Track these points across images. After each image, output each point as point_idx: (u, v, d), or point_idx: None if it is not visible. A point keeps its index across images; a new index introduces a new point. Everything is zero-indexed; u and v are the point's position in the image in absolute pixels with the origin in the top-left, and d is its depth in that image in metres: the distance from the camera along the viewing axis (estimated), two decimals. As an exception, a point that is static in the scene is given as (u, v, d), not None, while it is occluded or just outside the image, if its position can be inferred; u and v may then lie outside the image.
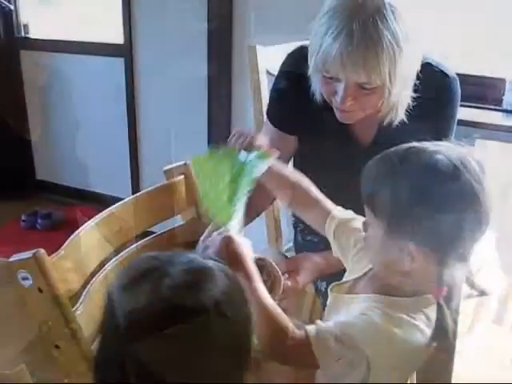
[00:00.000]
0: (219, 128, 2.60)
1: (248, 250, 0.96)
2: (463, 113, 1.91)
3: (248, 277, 0.89)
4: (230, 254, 0.92)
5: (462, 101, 1.99)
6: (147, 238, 1.32)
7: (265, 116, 1.47)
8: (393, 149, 0.87)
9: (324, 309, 1.39)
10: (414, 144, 0.85)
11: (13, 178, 3.50)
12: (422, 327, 0.83)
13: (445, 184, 0.78)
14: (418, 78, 1.19)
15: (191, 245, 1.38)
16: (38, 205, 3.28)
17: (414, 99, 1.20)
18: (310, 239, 1.57)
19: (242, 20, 2.37)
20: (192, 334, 0.70)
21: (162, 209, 1.34)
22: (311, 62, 1.13)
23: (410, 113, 1.22)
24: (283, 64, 1.34)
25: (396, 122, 1.21)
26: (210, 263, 0.77)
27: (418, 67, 1.15)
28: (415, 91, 1.20)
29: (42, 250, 0.95)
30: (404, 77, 1.10)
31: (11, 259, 0.96)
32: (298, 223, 1.62)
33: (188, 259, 0.77)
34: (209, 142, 2.66)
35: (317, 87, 1.20)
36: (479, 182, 0.78)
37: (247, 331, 0.76)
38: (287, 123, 1.37)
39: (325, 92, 1.17)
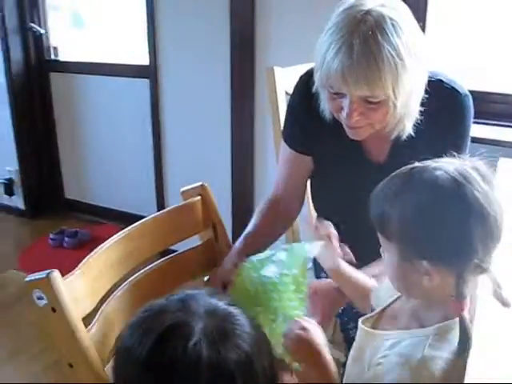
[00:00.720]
0: (242, 147, 2.62)
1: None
2: (486, 130, 1.90)
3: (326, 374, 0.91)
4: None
5: (485, 118, 1.97)
6: (163, 259, 1.33)
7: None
8: (396, 171, 0.88)
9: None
10: (416, 164, 0.86)
11: (43, 196, 3.59)
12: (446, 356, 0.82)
13: (447, 198, 0.79)
14: (429, 94, 1.19)
15: (207, 265, 1.40)
16: (65, 223, 3.35)
17: (426, 116, 1.20)
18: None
19: (265, 41, 2.39)
20: None
21: (178, 229, 1.35)
22: (316, 78, 1.15)
23: (423, 130, 1.22)
24: (296, 85, 1.36)
25: (404, 137, 1.21)
26: (232, 309, 0.77)
27: (424, 81, 1.15)
28: (426, 108, 1.20)
29: (56, 271, 0.97)
30: (409, 90, 1.10)
31: (26, 279, 0.98)
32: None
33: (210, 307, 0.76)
34: (232, 161, 2.68)
35: (325, 105, 1.20)
36: (481, 190, 0.79)
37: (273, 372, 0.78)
38: (302, 144, 1.38)
39: (332, 108, 1.18)
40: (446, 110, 1.24)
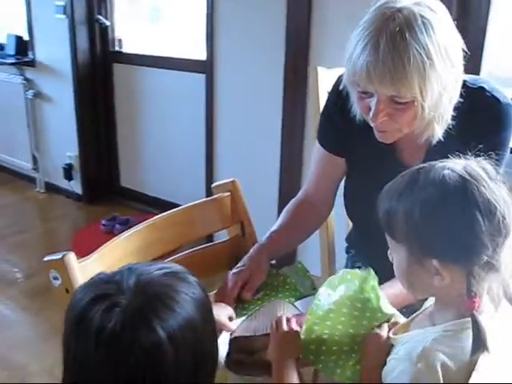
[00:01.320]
0: (292, 146, 2.61)
1: None
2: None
3: None
4: None
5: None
6: (189, 250, 1.35)
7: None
8: (404, 171, 0.88)
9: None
10: (422, 165, 0.86)
11: (100, 183, 3.71)
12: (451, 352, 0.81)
13: (454, 195, 0.80)
14: (469, 101, 1.15)
15: (232, 260, 1.40)
16: (118, 210, 3.44)
17: (464, 123, 1.16)
18: (358, 266, 1.54)
19: (319, 42, 2.37)
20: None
21: (205, 223, 1.37)
22: (344, 75, 1.13)
23: (460, 137, 1.17)
24: (333, 85, 1.34)
25: (435, 141, 1.17)
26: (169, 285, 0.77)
27: (458, 85, 1.10)
28: (464, 115, 1.15)
29: (71, 253, 1.00)
30: (438, 92, 1.06)
31: (45, 259, 1.02)
32: (349, 249, 1.60)
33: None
34: (281, 160, 2.68)
35: (356, 106, 1.18)
36: (487, 187, 0.79)
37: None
38: (335, 145, 1.36)
39: (361, 109, 1.15)
40: (485, 118, 1.19)
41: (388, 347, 0.92)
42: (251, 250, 1.31)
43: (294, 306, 1.21)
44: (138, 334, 0.70)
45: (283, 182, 2.70)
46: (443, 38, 1.04)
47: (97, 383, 0.73)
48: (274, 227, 1.37)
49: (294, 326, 1.01)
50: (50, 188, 3.88)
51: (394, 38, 1.01)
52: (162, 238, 1.26)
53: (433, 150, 1.22)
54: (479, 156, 1.14)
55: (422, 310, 0.97)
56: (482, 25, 2.05)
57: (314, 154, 1.44)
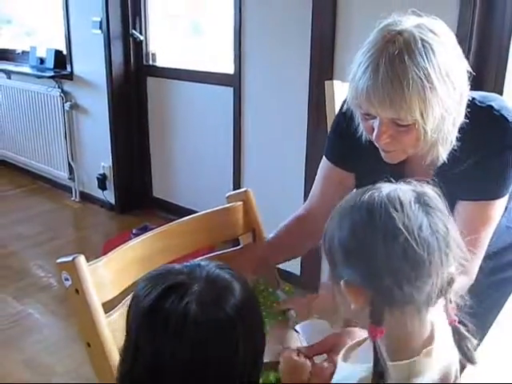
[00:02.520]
0: (317, 156, 2.62)
1: None
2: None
3: None
4: None
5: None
6: (200, 258, 1.38)
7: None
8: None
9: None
10: (367, 188, 0.83)
11: (132, 193, 3.80)
12: None
13: (364, 219, 0.77)
14: (476, 121, 1.15)
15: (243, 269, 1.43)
16: (149, 220, 3.52)
17: (471, 143, 1.16)
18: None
19: (344, 56, 2.40)
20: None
21: (217, 231, 1.41)
22: (348, 96, 1.14)
23: (469, 157, 1.17)
24: (342, 102, 1.35)
25: (440, 162, 1.17)
26: (232, 282, 0.84)
27: (461, 107, 1.10)
28: (472, 135, 1.15)
29: (82, 256, 1.05)
30: (441, 115, 1.06)
31: (57, 261, 1.07)
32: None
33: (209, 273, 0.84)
34: (306, 173, 2.70)
35: (361, 126, 1.20)
36: (398, 209, 0.75)
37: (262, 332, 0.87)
38: (344, 159, 1.37)
39: (365, 129, 1.16)
40: (493, 138, 1.18)
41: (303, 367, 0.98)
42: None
43: (296, 331, 1.22)
44: (214, 318, 0.78)
45: (308, 192, 2.71)
46: (444, 61, 1.03)
47: (173, 370, 0.78)
48: (268, 239, 1.41)
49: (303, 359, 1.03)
50: (85, 197, 3.99)
51: (393, 62, 1.01)
52: (173, 244, 1.30)
53: (442, 171, 1.21)
54: (489, 175, 1.15)
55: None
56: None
57: (319, 171, 1.45)
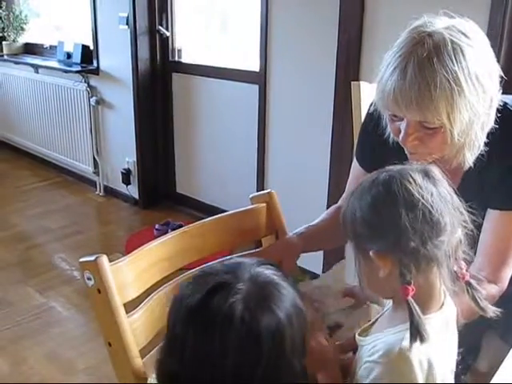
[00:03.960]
0: (342, 155, 2.61)
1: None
2: None
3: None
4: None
5: None
6: (222, 259, 1.37)
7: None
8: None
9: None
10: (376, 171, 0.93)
11: (156, 189, 3.82)
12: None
13: (381, 191, 0.87)
14: (508, 126, 1.13)
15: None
16: (172, 216, 3.54)
17: (500, 150, 1.14)
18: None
19: (370, 56, 2.37)
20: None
21: (240, 232, 1.39)
22: (375, 97, 1.13)
23: (499, 163, 1.15)
24: (370, 104, 1.33)
25: (466, 167, 1.15)
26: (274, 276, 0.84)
27: (491, 112, 1.08)
28: (501, 142, 1.13)
29: (104, 256, 1.05)
30: (469, 119, 1.04)
31: (80, 260, 1.07)
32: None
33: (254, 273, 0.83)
34: (330, 173, 2.68)
35: (388, 127, 1.18)
36: (414, 183, 0.85)
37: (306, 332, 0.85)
38: (371, 163, 1.34)
39: (392, 131, 1.15)
40: None
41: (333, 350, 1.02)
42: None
43: None
44: (262, 318, 0.78)
45: (331, 194, 2.71)
46: (474, 64, 1.02)
47: (220, 370, 0.78)
48: (312, 223, 1.40)
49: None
50: (109, 191, 4.02)
51: (422, 64, 1.00)
52: (196, 245, 1.29)
53: (469, 178, 1.19)
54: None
55: (384, 311, 1.00)
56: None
57: (352, 169, 1.45)
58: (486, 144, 1.12)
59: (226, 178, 3.41)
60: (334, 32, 2.46)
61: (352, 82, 1.64)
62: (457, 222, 0.87)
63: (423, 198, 0.84)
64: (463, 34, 1.03)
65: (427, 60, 1.00)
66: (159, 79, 3.57)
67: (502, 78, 1.08)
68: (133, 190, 3.84)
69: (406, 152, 1.16)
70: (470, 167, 1.16)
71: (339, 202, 1.46)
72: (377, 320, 1.00)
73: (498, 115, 1.11)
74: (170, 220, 3.44)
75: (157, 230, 3.39)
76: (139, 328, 1.11)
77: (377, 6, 2.32)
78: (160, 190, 3.83)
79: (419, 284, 0.86)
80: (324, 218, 1.43)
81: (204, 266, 0.89)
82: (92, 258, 1.04)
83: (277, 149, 2.97)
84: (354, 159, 1.42)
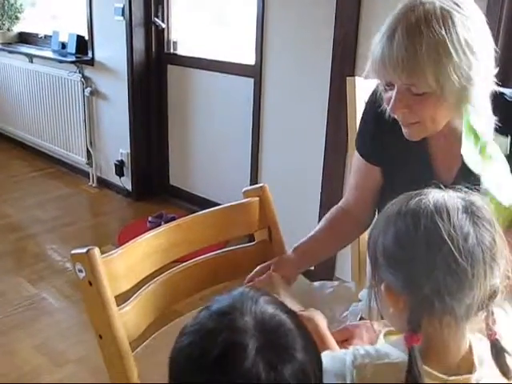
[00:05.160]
0: (336, 150, 2.61)
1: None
2: None
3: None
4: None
5: None
6: (214, 253, 1.38)
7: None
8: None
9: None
10: (412, 192, 0.83)
11: (149, 180, 3.81)
12: None
13: (409, 227, 0.77)
14: (506, 115, 1.13)
15: (257, 265, 1.42)
16: (166, 208, 3.53)
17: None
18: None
19: (366, 52, 2.36)
20: None
21: (232, 226, 1.39)
22: (368, 67, 1.14)
23: None
24: (370, 96, 1.34)
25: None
26: (283, 317, 0.76)
27: (489, 81, 1.09)
28: (501, 132, 1.13)
29: (96, 248, 1.05)
30: (460, 84, 1.05)
31: (72, 252, 1.07)
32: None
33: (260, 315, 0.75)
34: (324, 165, 2.68)
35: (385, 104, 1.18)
36: (445, 218, 0.74)
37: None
38: (372, 154, 1.36)
39: (385, 102, 1.16)
40: None
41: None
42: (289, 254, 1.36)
43: None
44: (284, 368, 0.70)
45: (325, 188, 2.71)
46: (464, 31, 1.03)
47: None
48: (312, 233, 1.39)
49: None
50: (102, 183, 4.01)
51: (410, 29, 1.03)
52: (187, 239, 1.29)
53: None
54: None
55: None
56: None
57: (353, 162, 1.44)
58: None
59: (219, 171, 3.40)
60: (331, 26, 2.45)
61: (347, 78, 1.63)
62: (496, 273, 0.75)
63: (452, 242, 0.73)
64: (455, 3, 1.05)
65: (415, 25, 1.03)
66: (154, 71, 3.55)
67: (496, 52, 1.09)
68: (126, 182, 3.83)
69: (403, 129, 1.17)
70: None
71: (339, 204, 1.44)
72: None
73: (497, 104, 1.13)
74: (164, 212, 3.43)
75: (150, 222, 3.38)
76: (130, 321, 1.11)
77: (374, 1, 2.32)
78: (153, 182, 3.82)
79: (428, 334, 0.78)
80: (326, 225, 1.39)
81: (196, 315, 0.78)
82: (83, 251, 1.04)
83: (271, 142, 2.97)
84: (356, 152, 1.41)
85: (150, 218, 3.39)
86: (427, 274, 0.74)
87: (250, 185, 3.12)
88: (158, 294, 1.22)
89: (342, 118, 2.52)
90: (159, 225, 3.37)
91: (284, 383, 0.70)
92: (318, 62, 2.57)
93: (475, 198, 0.79)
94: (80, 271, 1.06)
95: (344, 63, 2.44)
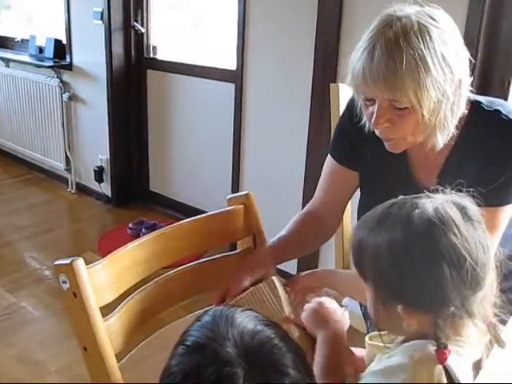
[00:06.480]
0: (318, 155, 2.61)
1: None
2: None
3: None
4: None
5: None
6: (198, 261, 1.36)
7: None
8: (376, 207, 0.86)
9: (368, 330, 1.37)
10: (397, 200, 0.83)
11: (129, 186, 3.77)
12: None
13: (418, 239, 0.76)
14: (483, 124, 1.17)
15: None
16: (146, 215, 3.50)
17: (478, 145, 1.17)
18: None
19: (347, 56, 2.37)
20: None
21: (217, 235, 1.38)
22: (348, 81, 1.15)
23: (474, 159, 1.18)
24: (349, 101, 1.34)
25: (437, 150, 1.18)
26: (266, 332, 0.72)
27: (461, 93, 1.11)
28: (479, 137, 1.17)
29: (80, 259, 1.03)
30: (437, 98, 1.06)
31: (55, 263, 1.05)
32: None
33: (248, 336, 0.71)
34: (306, 170, 2.68)
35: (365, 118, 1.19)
36: (458, 233, 0.75)
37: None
38: (349, 158, 1.36)
39: (366, 117, 1.17)
40: (502, 142, 1.18)
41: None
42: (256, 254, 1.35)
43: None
44: None
45: (307, 193, 2.71)
46: (440, 45, 1.05)
47: None
48: (280, 234, 1.37)
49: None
50: (81, 189, 3.96)
51: (389, 44, 1.04)
52: (172, 247, 1.27)
53: (447, 169, 1.22)
54: (496, 180, 1.14)
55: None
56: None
57: (325, 167, 1.44)
58: (462, 137, 1.16)
59: (200, 177, 3.38)
60: (312, 32, 2.46)
61: (331, 84, 1.64)
62: (492, 268, 0.79)
63: (470, 256, 0.74)
64: (431, 17, 1.07)
65: (394, 40, 1.04)
66: (134, 76, 3.52)
67: (471, 62, 1.12)
68: (106, 188, 3.78)
69: (384, 141, 1.18)
70: (450, 162, 1.21)
71: (307, 208, 1.45)
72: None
73: (473, 113, 1.16)
74: (144, 219, 3.40)
75: (130, 228, 3.35)
76: (116, 332, 1.10)
77: (355, 9, 2.33)
78: (133, 188, 3.78)
79: (448, 337, 0.78)
80: (292, 229, 1.39)
81: (172, 352, 0.75)
82: (68, 261, 1.02)
83: (253, 148, 2.96)
84: (329, 157, 1.41)
85: (130, 225, 3.36)
86: (453, 291, 0.74)
87: (232, 190, 3.11)
88: (143, 304, 1.20)
89: (324, 124, 2.53)
90: (140, 231, 3.39)
91: None
92: (300, 67, 2.57)
93: (464, 200, 0.81)
94: (64, 282, 1.04)
95: (326, 69, 2.45)
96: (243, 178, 3.06)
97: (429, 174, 1.26)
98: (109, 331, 1.06)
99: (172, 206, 3.57)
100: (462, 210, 0.78)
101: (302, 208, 2.67)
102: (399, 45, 1.03)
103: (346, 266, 1.76)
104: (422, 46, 1.03)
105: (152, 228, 3.28)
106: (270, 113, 2.80)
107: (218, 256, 1.39)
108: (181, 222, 1.33)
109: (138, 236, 3.28)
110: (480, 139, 1.17)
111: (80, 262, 1.02)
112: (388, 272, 0.78)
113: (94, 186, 3.83)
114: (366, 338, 0.96)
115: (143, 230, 3.29)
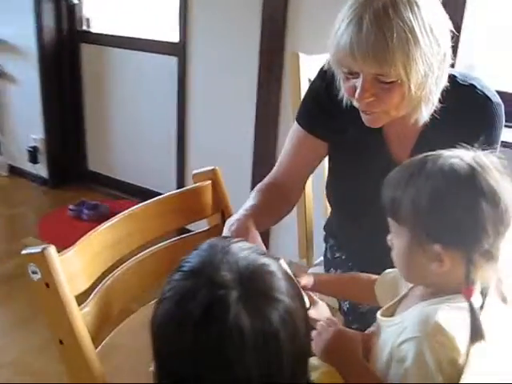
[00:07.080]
0: (266, 128, 2.58)
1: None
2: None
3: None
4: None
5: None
6: (168, 241, 1.31)
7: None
8: (411, 159, 0.88)
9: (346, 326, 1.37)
10: (430, 153, 0.87)
11: (66, 167, 3.62)
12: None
13: (461, 182, 0.81)
14: (458, 98, 1.15)
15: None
16: (86, 195, 3.37)
17: (454, 120, 1.16)
18: (338, 256, 1.53)
19: (295, 27, 2.34)
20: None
21: (185, 213, 1.33)
22: (329, 55, 1.11)
23: (449, 133, 1.15)
24: (321, 68, 1.30)
25: (421, 124, 1.18)
26: (261, 260, 0.74)
27: (445, 65, 1.09)
28: (454, 112, 1.16)
29: (52, 247, 0.95)
30: (424, 72, 1.05)
31: (23, 252, 0.97)
32: (328, 238, 1.58)
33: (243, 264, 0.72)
34: (255, 144, 2.65)
35: (343, 90, 1.16)
36: (494, 177, 0.80)
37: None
38: (319, 126, 1.32)
39: (346, 91, 1.13)
40: (476, 117, 1.19)
41: (353, 336, 0.95)
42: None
43: None
44: (271, 314, 0.69)
45: (256, 168, 2.68)
46: (428, 16, 1.03)
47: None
48: (250, 203, 1.29)
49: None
50: (14, 171, 3.77)
51: (378, 15, 1.00)
52: (141, 228, 1.21)
53: (422, 144, 1.20)
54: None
55: (407, 291, 0.96)
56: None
57: (289, 136, 1.39)
58: (439, 111, 1.14)
59: (142, 155, 3.28)
60: (259, 1, 2.39)
61: (291, 52, 1.60)
62: None
63: (503, 196, 0.80)
64: None
65: (383, 10, 1.00)
66: (66, 50, 3.36)
67: (453, 33, 1.10)
68: (41, 169, 3.61)
69: (362, 113, 1.15)
70: (425, 127, 1.20)
71: (270, 177, 1.39)
72: (401, 300, 0.96)
73: (449, 87, 1.14)
74: (85, 199, 3.27)
75: (71, 210, 3.22)
76: (91, 321, 1.03)
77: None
78: (71, 168, 3.63)
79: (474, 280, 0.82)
80: (259, 198, 1.31)
81: (168, 279, 0.75)
82: (38, 250, 0.94)
83: (198, 123, 2.89)
84: (295, 124, 1.37)
85: (70, 206, 3.23)
86: (490, 229, 0.79)
87: (177, 167, 3.04)
88: (116, 290, 1.13)
89: (273, 94, 2.50)
90: (81, 212, 3.27)
91: (272, 330, 0.68)
92: (246, 37, 2.51)
93: (491, 156, 0.84)
94: (34, 273, 0.96)
95: (273, 38, 2.40)
96: (189, 154, 2.99)
97: (403, 149, 1.26)
98: (85, 321, 1.00)
99: (115, 186, 3.46)
100: (491, 162, 0.83)
101: (252, 182, 2.68)
102: (388, 15, 1.00)
103: (308, 238, 1.75)
104: (412, 18, 1.00)
105: (94, 208, 3.17)
106: (216, 85, 2.73)
107: (189, 234, 1.36)
108: (148, 201, 1.27)
109: (79, 217, 3.17)
110: (454, 113, 1.17)
111: (52, 250, 0.94)
112: (429, 216, 0.82)
113: (28, 167, 3.65)
114: (379, 316, 0.96)
115: (85, 210, 3.18)
